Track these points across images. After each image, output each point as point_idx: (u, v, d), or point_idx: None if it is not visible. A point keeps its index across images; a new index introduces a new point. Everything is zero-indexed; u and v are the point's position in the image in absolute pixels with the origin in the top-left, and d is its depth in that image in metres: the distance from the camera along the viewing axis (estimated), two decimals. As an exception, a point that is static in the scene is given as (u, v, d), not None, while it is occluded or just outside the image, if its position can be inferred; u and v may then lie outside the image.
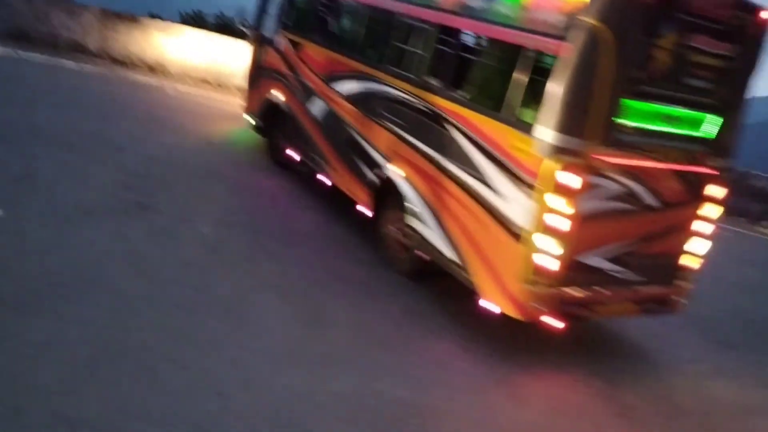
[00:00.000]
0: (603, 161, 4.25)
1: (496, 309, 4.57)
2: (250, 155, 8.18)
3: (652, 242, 4.75)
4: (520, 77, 4.42)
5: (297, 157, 7.32)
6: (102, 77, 10.68)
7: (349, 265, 5.55)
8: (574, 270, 4.43)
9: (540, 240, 4.23)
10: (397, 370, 4.15)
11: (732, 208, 12.58)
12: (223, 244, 5.34)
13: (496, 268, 4.53)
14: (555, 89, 4.10)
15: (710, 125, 4.70)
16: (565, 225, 4.21)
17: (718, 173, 4.81)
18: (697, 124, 4.65)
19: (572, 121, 4.11)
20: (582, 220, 4.29)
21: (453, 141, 4.91)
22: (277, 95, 7.61)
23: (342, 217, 6.55)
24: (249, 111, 8.45)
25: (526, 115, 4.39)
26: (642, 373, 5.02)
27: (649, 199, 4.56)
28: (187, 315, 4.10)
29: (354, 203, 6.20)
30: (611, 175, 4.32)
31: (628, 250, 4.64)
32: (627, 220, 4.55)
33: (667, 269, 4.96)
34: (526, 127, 4.28)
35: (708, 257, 5.01)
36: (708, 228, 4.95)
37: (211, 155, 7.80)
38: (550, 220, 4.19)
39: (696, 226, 4.90)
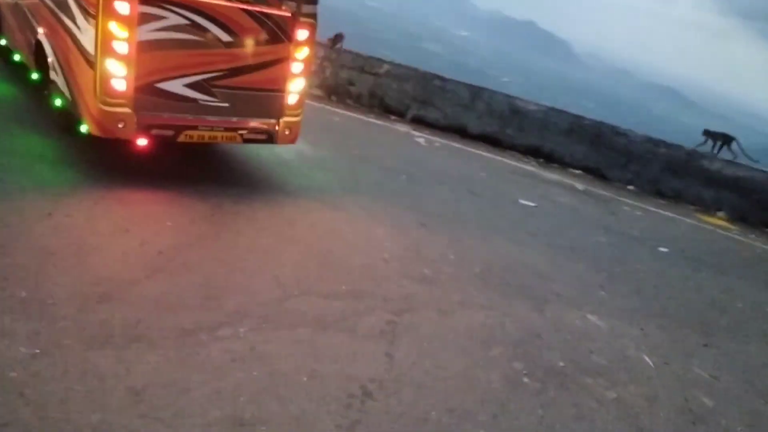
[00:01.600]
0: (157, -7, 4.92)
1: (85, 129, 5.23)
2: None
3: (238, 76, 5.47)
4: None
5: (9, 47, 7.68)
6: None
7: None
8: (151, 94, 5.13)
9: (106, 63, 4.89)
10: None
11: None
12: None
13: (83, 94, 5.17)
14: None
15: (275, -31, 5.42)
16: (124, 49, 4.88)
17: (295, 15, 5.56)
18: (258, -33, 5.36)
19: (115, -46, 4.74)
20: (147, 46, 4.97)
21: (60, -9, 5.47)
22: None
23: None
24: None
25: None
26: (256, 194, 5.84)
27: (221, 34, 5.27)
28: None
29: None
30: (171, 7, 4.98)
31: (210, 80, 5.35)
32: (200, 52, 5.23)
33: (264, 103, 5.73)
34: (87, -35, 4.89)
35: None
36: (299, 68, 5.77)
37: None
38: (111, 45, 4.84)
39: (287, 65, 5.69)
